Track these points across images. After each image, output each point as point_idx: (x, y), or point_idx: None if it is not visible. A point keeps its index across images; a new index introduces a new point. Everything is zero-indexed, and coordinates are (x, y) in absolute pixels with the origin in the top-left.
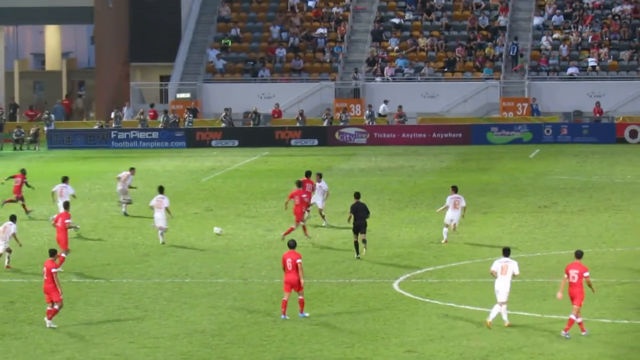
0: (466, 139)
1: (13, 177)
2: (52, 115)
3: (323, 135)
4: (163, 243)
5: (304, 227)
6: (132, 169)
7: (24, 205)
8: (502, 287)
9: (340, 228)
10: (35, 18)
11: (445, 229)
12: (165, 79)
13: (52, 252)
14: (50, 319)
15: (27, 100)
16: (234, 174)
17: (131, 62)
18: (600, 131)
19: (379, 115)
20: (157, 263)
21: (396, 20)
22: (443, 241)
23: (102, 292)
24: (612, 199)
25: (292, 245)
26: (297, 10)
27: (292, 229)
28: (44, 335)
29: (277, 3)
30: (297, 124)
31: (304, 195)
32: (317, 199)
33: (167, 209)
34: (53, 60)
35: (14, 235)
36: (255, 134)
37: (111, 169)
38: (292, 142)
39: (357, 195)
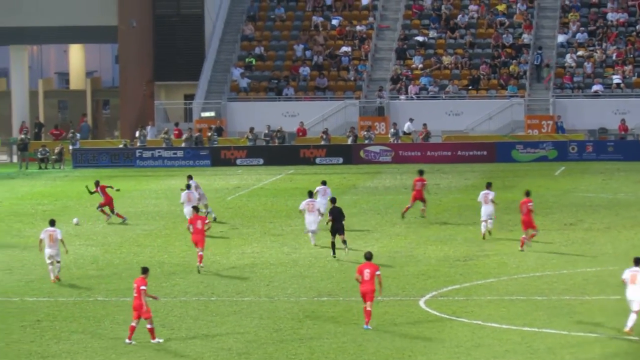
0: (491, 157)
1: (96, 190)
2: (77, 134)
3: (348, 154)
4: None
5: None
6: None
7: (102, 211)
8: (635, 296)
9: (366, 244)
10: (59, 37)
11: (482, 224)
12: (189, 97)
13: (144, 270)
14: (153, 338)
15: (51, 119)
16: (259, 193)
17: (155, 81)
18: (625, 148)
19: (404, 133)
20: (183, 281)
21: (420, 38)
22: (482, 235)
23: (128, 310)
24: (638, 216)
25: (368, 257)
26: (320, 29)
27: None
28: (70, 355)
29: (301, 21)
30: (322, 142)
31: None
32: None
33: (61, 242)
34: (77, 80)
35: (61, 241)
36: (280, 152)
37: (136, 187)
38: (317, 160)
39: (333, 200)
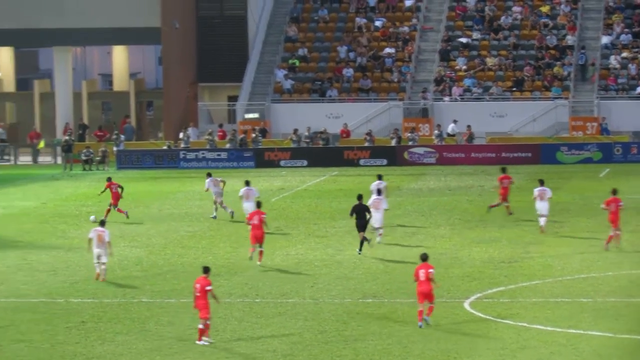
0: (535, 159)
1: (106, 188)
2: (122, 136)
3: (392, 155)
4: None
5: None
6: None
7: (119, 210)
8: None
9: (411, 247)
10: (103, 39)
11: (539, 218)
12: (233, 99)
13: (206, 269)
14: (207, 335)
15: (95, 120)
16: (303, 194)
17: (199, 82)
18: None
19: (448, 134)
20: (227, 283)
21: (464, 40)
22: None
23: (173, 312)
24: None
25: (424, 257)
26: (364, 30)
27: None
28: (115, 356)
29: (345, 23)
30: (366, 144)
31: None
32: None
33: (108, 244)
34: (121, 81)
35: (108, 243)
36: (324, 154)
37: (180, 189)
38: (361, 161)
39: (359, 197)
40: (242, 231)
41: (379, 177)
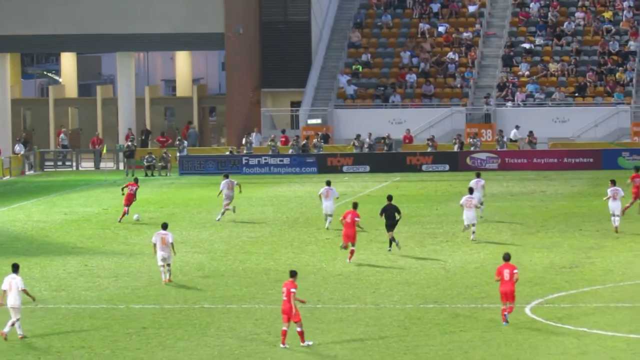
0: (597, 164)
1: (126, 185)
2: (185, 142)
3: (454, 161)
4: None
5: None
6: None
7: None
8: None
9: (472, 252)
10: (166, 44)
11: (613, 218)
12: (296, 104)
13: (293, 273)
14: (303, 341)
15: (158, 126)
16: (366, 200)
17: (262, 88)
18: None
19: (510, 140)
20: None
21: (526, 46)
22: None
23: (234, 317)
24: None
25: (506, 257)
26: (427, 36)
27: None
28: None
29: (408, 29)
30: (428, 150)
31: None
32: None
33: (172, 245)
34: (184, 86)
35: (171, 244)
36: (387, 159)
37: (242, 194)
38: (424, 167)
39: (389, 198)
40: (304, 236)
41: (477, 175)
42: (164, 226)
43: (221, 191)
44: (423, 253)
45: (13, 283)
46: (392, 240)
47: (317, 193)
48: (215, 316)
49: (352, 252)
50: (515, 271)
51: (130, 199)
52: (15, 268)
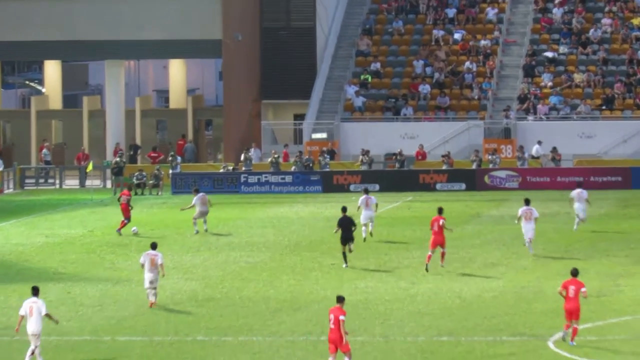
0: (626, 183)
1: (122, 195)
2: (178, 157)
3: (471, 179)
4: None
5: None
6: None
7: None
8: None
9: (490, 279)
10: (158, 52)
11: None
12: (299, 117)
13: (340, 299)
14: None
15: (149, 140)
16: (374, 221)
17: (262, 99)
18: None
19: (532, 157)
20: (289, 319)
21: (550, 54)
22: None
23: (230, 351)
24: None
25: (574, 273)
26: (442, 44)
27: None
28: None
29: (421, 36)
30: (443, 167)
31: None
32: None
33: (161, 266)
34: (177, 98)
35: (161, 265)
36: (398, 177)
37: (240, 215)
38: (438, 186)
39: (344, 209)
40: (308, 262)
41: (579, 185)
42: (153, 246)
43: (192, 206)
44: (436, 280)
45: (34, 307)
46: (344, 253)
47: (357, 204)
48: (209, 349)
49: (443, 255)
50: (583, 289)
51: (126, 208)
52: (36, 291)
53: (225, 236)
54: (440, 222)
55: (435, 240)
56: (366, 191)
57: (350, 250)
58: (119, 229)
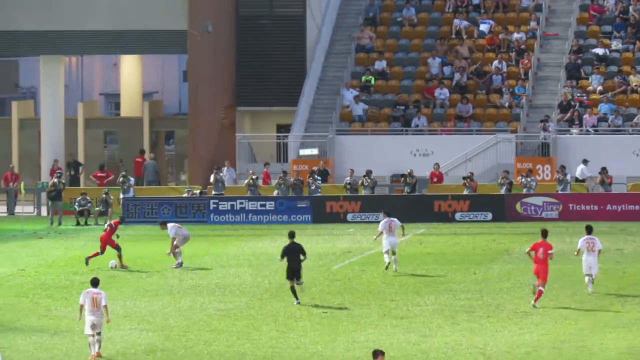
0: None
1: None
2: (131, 178)
3: (499, 207)
4: None
5: None
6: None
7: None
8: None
9: (523, 332)
10: (107, 46)
11: None
12: (283, 129)
13: (377, 354)
14: None
15: (95, 157)
16: (377, 259)
17: (238, 106)
18: None
19: (576, 179)
20: None
21: (599, 51)
22: None
23: None
24: None
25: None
26: (464, 37)
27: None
28: None
29: (438, 27)
30: (465, 192)
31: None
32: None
33: (105, 308)
34: (131, 104)
35: (104, 307)
36: (408, 204)
37: (209, 251)
38: (457, 215)
39: (291, 235)
40: (293, 309)
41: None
42: (94, 282)
43: (174, 238)
44: (455, 332)
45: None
46: (293, 288)
47: (378, 229)
48: None
49: (539, 293)
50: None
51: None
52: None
53: (191, 276)
54: (549, 252)
55: (537, 269)
56: (388, 214)
57: (300, 289)
58: (88, 258)
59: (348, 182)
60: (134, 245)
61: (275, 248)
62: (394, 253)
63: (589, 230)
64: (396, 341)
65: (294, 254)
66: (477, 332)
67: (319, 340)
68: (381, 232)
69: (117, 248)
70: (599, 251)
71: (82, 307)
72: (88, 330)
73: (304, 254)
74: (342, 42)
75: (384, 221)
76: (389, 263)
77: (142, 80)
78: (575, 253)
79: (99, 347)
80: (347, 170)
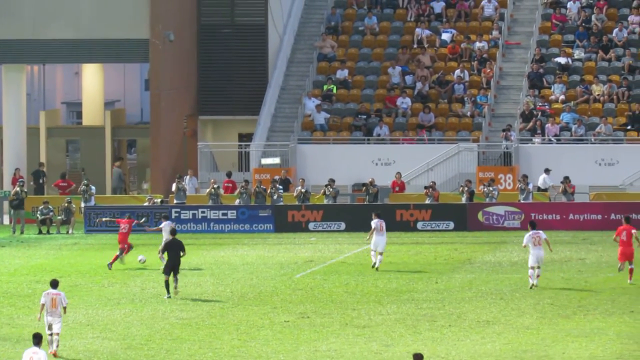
0: None
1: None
2: (93, 187)
3: (461, 216)
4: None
5: None
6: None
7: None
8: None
9: (485, 341)
10: (68, 55)
11: None
12: (245, 138)
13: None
14: None
15: (57, 166)
16: (339, 269)
17: (200, 115)
18: None
19: (538, 189)
20: None
21: (562, 60)
22: None
23: None
24: None
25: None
26: (426, 46)
27: None
28: None
29: (400, 36)
30: (427, 201)
31: None
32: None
33: (63, 310)
34: (93, 112)
35: (64, 308)
36: (369, 214)
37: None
38: (419, 224)
39: (173, 232)
40: (255, 318)
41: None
42: (54, 284)
43: (160, 229)
44: (417, 342)
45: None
46: (168, 283)
47: (371, 228)
48: None
49: (631, 271)
50: (633, 231)
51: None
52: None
53: (153, 285)
54: (633, 233)
55: (623, 252)
56: (378, 215)
57: (175, 288)
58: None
59: (301, 191)
60: (95, 254)
61: (238, 257)
62: (380, 253)
63: (533, 225)
64: (358, 350)
65: (174, 250)
66: (439, 341)
67: (281, 350)
68: (373, 230)
69: (129, 248)
70: (546, 240)
71: (42, 306)
72: (48, 330)
73: (183, 250)
74: (304, 51)
75: (375, 221)
76: (375, 262)
77: (104, 89)
78: (523, 245)
79: (57, 346)
80: (321, 178)
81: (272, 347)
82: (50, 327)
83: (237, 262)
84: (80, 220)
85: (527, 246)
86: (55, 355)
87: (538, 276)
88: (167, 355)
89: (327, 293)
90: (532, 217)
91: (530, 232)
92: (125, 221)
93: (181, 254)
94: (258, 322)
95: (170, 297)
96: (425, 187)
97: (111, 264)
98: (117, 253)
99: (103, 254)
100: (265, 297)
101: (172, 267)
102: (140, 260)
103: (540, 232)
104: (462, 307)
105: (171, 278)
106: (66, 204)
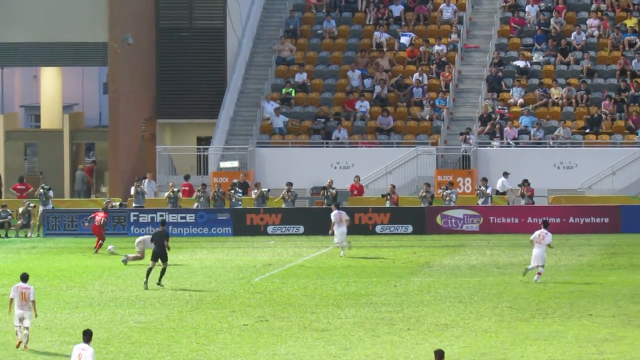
0: (615, 226)
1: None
2: (51, 191)
3: (420, 220)
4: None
5: None
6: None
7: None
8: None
9: (444, 344)
10: (26, 58)
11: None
12: (204, 141)
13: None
14: None
15: (15, 169)
16: (298, 272)
17: (158, 118)
18: None
19: (497, 192)
20: None
21: (520, 63)
22: None
23: None
24: None
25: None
26: (385, 49)
27: None
28: None
29: (359, 39)
30: (386, 204)
31: None
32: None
33: (32, 303)
34: (51, 116)
35: (32, 302)
36: (328, 217)
37: (130, 263)
38: (378, 228)
39: (162, 222)
40: (214, 322)
41: None
42: (24, 278)
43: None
44: (376, 345)
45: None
46: (150, 271)
47: (332, 220)
48: None
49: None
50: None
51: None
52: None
53: (111, 289)
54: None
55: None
56: (337, 206)
57: (162, 272)
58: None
59: (262, 190)
60: (53, 258)
61: (197, 261)
62: (346, 244)
63: (546, 224)
64: (317, 354)
65: (160, 240)
66: (398, 344)
67: (240, 353)
68: (334, 223)
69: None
70: (548, 245)
71: (11, 300)
72: (16, 322)
73: (167, 239)
74: (263, 54)
75: (335, 212)
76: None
77: (63, 92)
78: (530, 239)
79: (27, 341)
80: (279, 181)
81: (230, 350)
82: (21, 320)
83: (196, 266)
84: (38, 223)
85: (532, 241)
86: (23, 345)
87: (539, 274)
88: (126, 359)
89: (286, 297)
90: (491, 221)
91: (540, 230)
92: (103, 215)
93: (165, 243)
94: (217, 326)
95: (147, 288)
96: (382, 196)
97: (97, 249)
98: (100, 242)
99: (61, 257)
100: (223, 301)
101: (159, 255)
102: (109, 250)
103: (549, 233)
104: (421, 310)
105: (156, 269)
106: (27, 207)
